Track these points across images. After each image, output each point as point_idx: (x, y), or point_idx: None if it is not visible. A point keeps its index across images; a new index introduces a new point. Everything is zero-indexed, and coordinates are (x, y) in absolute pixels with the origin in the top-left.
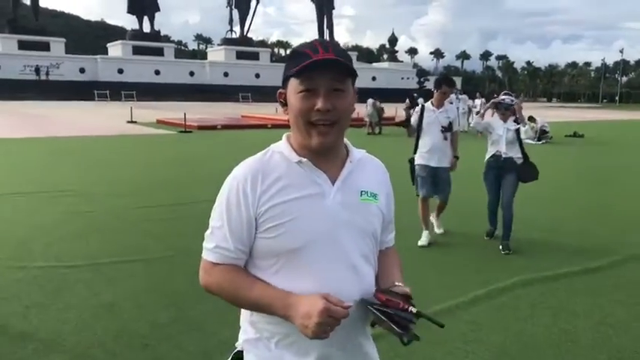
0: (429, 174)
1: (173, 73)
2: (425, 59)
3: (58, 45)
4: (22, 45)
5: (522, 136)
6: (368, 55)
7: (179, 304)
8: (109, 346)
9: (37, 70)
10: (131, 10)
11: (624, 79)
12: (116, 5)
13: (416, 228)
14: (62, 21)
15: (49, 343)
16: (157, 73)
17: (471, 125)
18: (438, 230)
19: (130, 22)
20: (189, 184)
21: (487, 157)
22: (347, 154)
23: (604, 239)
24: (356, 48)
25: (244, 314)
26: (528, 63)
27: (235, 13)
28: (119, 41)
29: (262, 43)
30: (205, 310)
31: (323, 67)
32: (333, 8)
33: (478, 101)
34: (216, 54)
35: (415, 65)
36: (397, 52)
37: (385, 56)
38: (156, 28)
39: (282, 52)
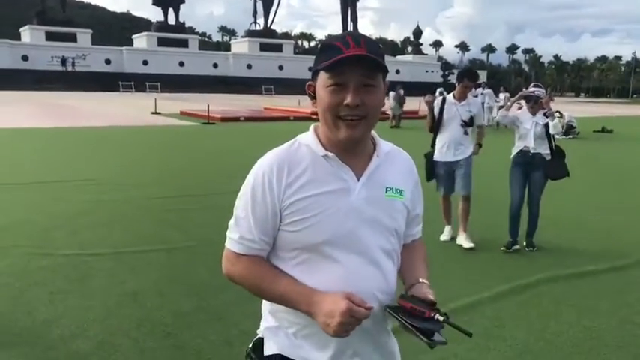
0: (446, 171)
1: (197, 65)
2: (450, 52)
3: (84, 36)
4: (50, 36)
5: (551, 130)
6: (392, 48)
7: (201, 294)
8: (133, 334)
9: (64, 61)
10: (156, 1)
11: None
12: None
13: (439, 222)
14: (89, 12)
15: (73, 329)
16: (181, 64)
17: (496, 119)
18: (466, 245)
19: (155, 14)
20: (212, 175)
21: (514, 152)
22: (374, 147)
23: (631, 238)
24: (380, 40)
25: (265, 303)
26: (556, 57)
27: (259, 5)
28: (144, 33)
29: (286, 35)
30: (227, 299)
31: (353, 62)
32: (358, 0)
33: (502, 95)
34: (240, 46)
35: (440, 58)
36: (422, 44)
37: (409, 49)
38: (180, 19)
39: (305, 44)
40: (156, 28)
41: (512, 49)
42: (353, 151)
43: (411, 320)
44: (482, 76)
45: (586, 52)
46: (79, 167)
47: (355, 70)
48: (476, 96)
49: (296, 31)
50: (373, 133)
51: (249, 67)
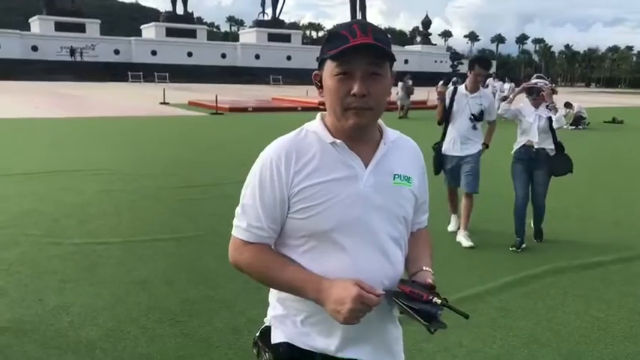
0: (453, 165)
1: (205, 55)
2: (459, 42)
3: (93, 26)
4: (59, 26)
5: (555, 125)
6: (401, 38)
7: (209, 283)
8: (141, 322)
9: (72, 52)
10: None
11: None
12: None
13: (444, 212)
14: (98, 3)
15: (83, 317)
16: (190, 55)
17: (498, 112)
18: (465, 244)
19: (163, 4)
20: (220, 165)
21: (516, 147)
22: (381, 135)
23: (639, 229)
24: (388, 30)
25: (273, 291)
26: (567, 47)
27: None
28: (153, 23)
29: (294, 25)
30: (234, 288)
31: (360, 50)
32: None
33: (507, 85)
34: (248, 36)
35: (449, 48)
36: (431, 34)
37: (418, 39)
38: (189, 10)
39: (313, 34)
40: (164, 19)
41: (522, 39)
42: (360, 138)
43: (410, 304)
44: (492, 66)
45: (597, 42)
46: (88, 157)
47: (362, 59)
48: (486, 86)
49: (304, 21)
50: (380, 121)
51: (257, 57)
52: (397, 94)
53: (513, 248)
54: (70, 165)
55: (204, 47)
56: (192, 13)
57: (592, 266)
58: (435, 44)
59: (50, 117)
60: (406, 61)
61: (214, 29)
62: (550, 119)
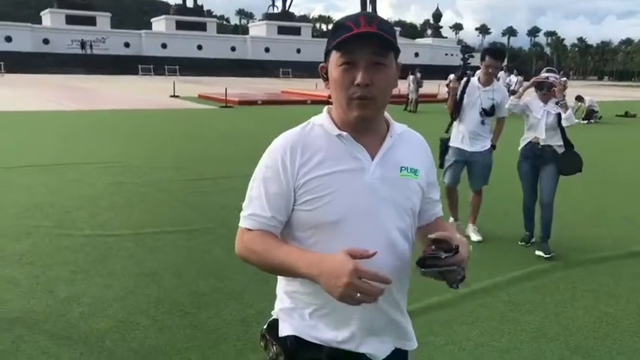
0: (459, 159)
1: (215, 48)
2: (470, 35)
3: (104, 19)
4: (70, 20)
5: (564, 123)
6: (411, 31)
7: (218, 275)
8: (151, 313)
9: (83, 45)
10: None
11: None
12: None
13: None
14: None
15: (94, 307)
16: (200, 48)
17: (506, 106)
18: (474, 237)
19: None
20: (230, 158)
21: (522, 144)
22: (387, 128)
23: None
24: (399, 23)
25: (280, 284)
26: (580, 39)
27: None
28: (163, 16)
29: (304, 18)
30: (243, 280)
31: (363, 40)
32: None
33: (514, 79)
34: (258, 29)
35: (459, 41)
36: (441, 27)
37: (429, 32)
38: (199, 3)
39: (323, 27)
40: (174, 12)
41: (533, 32)
42: (366, 130)
43: (424, 268)
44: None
45: (610, 35)
46: (99, 150)
47: (365, 49)
48: (498, 79)
49: (314, 14)
50: (387, 114)
51: (267, 50)
52: (409, 87)
53: (522, 243)
54: (81, 157)
55: (214, 40)
56: (202, 6)
57: (601, 261)
58: (446, 37)
59: (61, 110)
60: (417, 54)
61: (224, 22)
62: (559, 115)
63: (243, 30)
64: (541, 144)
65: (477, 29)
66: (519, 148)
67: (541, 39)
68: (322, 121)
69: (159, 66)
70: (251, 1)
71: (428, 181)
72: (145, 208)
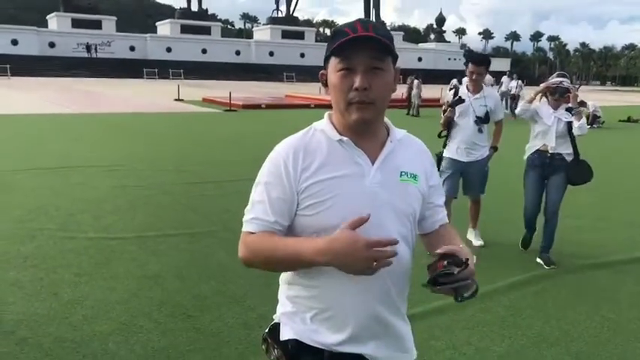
0: (456, 170)
1: (219, 52)
2: (473, 40)
3: (109, 23)
4: (76, 23)
5: (577, 132)
6: (415, 36)
7: (221, 278)
8: (154, 316)
9: (88, 48)
10: None
11: None
12: None
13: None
14: (114, 0)
15: (97, 310)
16: (204, 51)
17: (516, 111)
18: (476, 242)
19: (178, 1)
20: (234, 161)
21: (529, 152)
22: (387, 134)
23: None
24: (402, 28)
25: (282, 288)
26: (583, 44)
27: None
28: (168, 20)
29: (308, 23)
30: (246, 284)
31: (361, 45)
32: None
33: (514, 83)
34: (262, 33)
35: (463, 46)
36: (445, 32)
37: (432, 36)
38: (203, 7)
39: (327, 31)
40: (179, 15)
41: (536, 37)
42: (366, 135)
43: (432, 286)
44: (506, 64)
45: (613, 40)
46: (103, 153)
47: (362, 53)
48: (500, 85)
49: (318, 19)
50: (387, 119)
51: (271, 54)
52: (410, 91)
53: (522, 248)
54: (85, 161)
55: (218, 44)
56: (206, 10)
57: (603, 266)
58: (449, 42)
59: (66, 113)
60: (420, 59)
61: (229, 26)
62: (569, 123)
63: (247, 34)
64: (550, 152)
65: (480, 34)
66: (525, 157)
67: (544, 44)
68: (323, 126)
69: (163, 69)
70: (255, 5)
71: (429, 184)
72: (148, 212)
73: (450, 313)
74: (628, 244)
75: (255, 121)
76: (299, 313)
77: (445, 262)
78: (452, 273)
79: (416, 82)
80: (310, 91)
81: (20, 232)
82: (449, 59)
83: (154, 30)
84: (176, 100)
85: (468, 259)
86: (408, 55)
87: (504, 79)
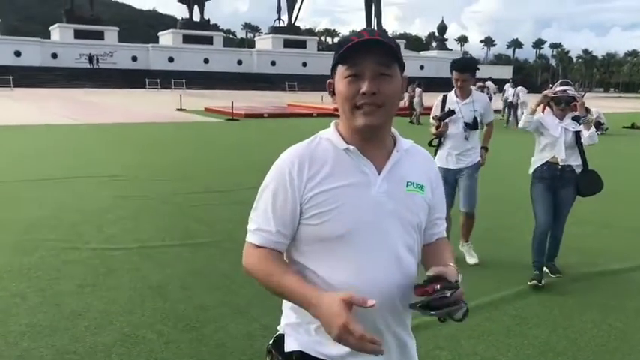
0: (447, 180)
1: (221, 62)
2: (475, 48)
3: (111, 34)
4: (78, 34)
5: (587, 142)
6: (416, 44)
7: (224, 288)
8: (157, 327)
9: (91, 59)
10: None
11: None
12: None
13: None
14: (116, 10)
15: (99, 321)
16: (206, 61)
17: (520, 125)
18: (470, 260)
19: (180, 11)
20: (236, 171)
21: (536, 165)
22: (394, 144)
23: None
24: (404, 36)
25: None
26: (585, 51)
27: (283, 1)
28: (170, 30)
29: (310, 32)
30: (249, 294)
31: (367, 50)
32: None
33: (511, 90)
34: (264, 42)
35: (465, 54)
36: (446, 40)
37: (434, 45)
38: (205, 16)
39: (329, 40)
40: (181, 26)
41: (539, 44)
42: (373, 142)
43: (423, 310)
44: (508, 71)
45: (616, 47)
46: (106, 163)
47: (370, 59)
48: (502, 92)
49: (320, 28)
50: (394, 130)
51: (273, 63)
52: (412, 99)
53: (534, 282)
54: (88, 171)
55: (220, 54)
56: (208, 20)
57: (609, 274)
58: (451, 50)
59: (68, 123)
60: (422, 67)
61: (230, 36)
62: (577, 133)
63: (249, 43)
64: (560, 164)
65: (481, 41)
66: (531, 171)
67: (546, 51)
68: (330, 135)
69: (166, 79)
70: (257, 15)
71: (433, 197)
72: (151, 222)
73: (454, 323)
74: (633, 251)
75: (258, 131)
76: (303, 324)
77: (437, 286)
78: (445, 296)
79: (417, 90)
80: (312, 99)
81: (23, 244)
82: None
83: (156, 40)
84: (178, 109)
85: (457, 281)
86: (409, 64)
87: (507, 86)
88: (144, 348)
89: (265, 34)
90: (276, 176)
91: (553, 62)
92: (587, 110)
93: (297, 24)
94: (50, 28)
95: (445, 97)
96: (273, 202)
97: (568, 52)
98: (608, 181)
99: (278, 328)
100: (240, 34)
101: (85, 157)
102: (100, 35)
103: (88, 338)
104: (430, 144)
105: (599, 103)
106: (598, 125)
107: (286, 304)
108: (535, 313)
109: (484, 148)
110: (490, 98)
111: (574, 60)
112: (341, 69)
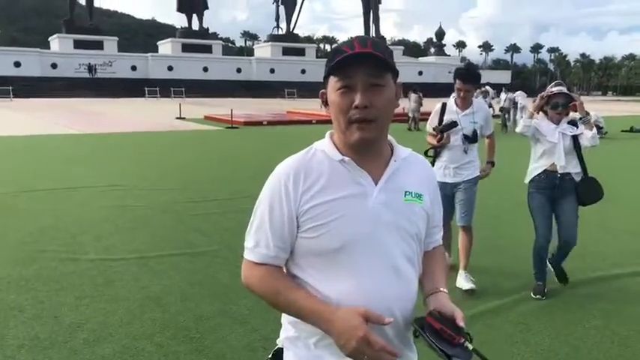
0: (445, 193)
1: (221, 70)
2: (473, 53)
3: (111, 43)
4: (78, 44)
5: (588, 143)
6: (415, 50)
7: (223, 298)
8: (156, 338)
9: (90, 68)
10: (181, 8)
11: None
12: (167, 4)
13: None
14: (115, 20)
15: (98, 333)
16: (205, 70)
17: (518, 129)
18: (466, 286)
19: (179, 20)
20: (235, 179)
21: (533, 174)
22: (391, 152)
23: None
24: (402, 42)
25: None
26: (583, 55)
27: (282, 9)
28: (169, 39)
29: (308, 39)
30: (249, 304)
31: (358, 62)
32: (380, 2)
33: (503, 95)
34: (263, 50)
35: (463, 59)
36: (444, 45)
37: (432, 50)
38: (204, 25)
39: (327, 47)
40: (180, 35)
41: (536, 49)
42: (369, 154)
43: (439, 343)
44: (507, 76)
45: (613, 50)
46: (104, 173)
47: (361, 71)
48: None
49: (318, 35)
50: (391, 138)
51: (272, 71)
52: (409, 104)
53: (538, 296)
54: (86, 181)
55: (219, 62)
56: (207, 29)
57: (610, 279)
58: (449, 55)
59: (68, 133)
60: (420, 73)
61: (229, 44)
62: (574, 138)
63: (248, 51)
64: (560, 172)
65: (479, 46)
66: (528, 180)
67: (544, 55)
68: (324, 146)
69: (165, 88)
70: (256, 23)
71: (432, 205)
72: (149, 231)
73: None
74: (634, 256)
75: (257, 138)
76: (302, 338)
77: (462, 340)
78: (469, 348)
79: (413, 96)
80: (311, 106)
81: (21, 255)
82: (449, 72)
83: (155, 49)
84: (178, 118)
85: (464, 343)
86: (408, 69)
87: (502, 95)
88: None
89: (264, 41)
90: (272, 190)
91: (551, 66)
92: (587, 113)
93: (295, 31)
94: (49, 39)
95: (444, 105)
96: (270, 217)
97: (566, 56)
98: (608, 184)
99: (277, 342)
100: (239, 42)
101: (84, 166)
102: (99, 45)
103: (87, 351)
104: (426, 154)
105: (598, 107)
106: (597, 129)
107: (285, 318)
108: (537, 320)
109: (490, 163)
110: (490, 105)
111: (572, 64)
112: (333, 80)
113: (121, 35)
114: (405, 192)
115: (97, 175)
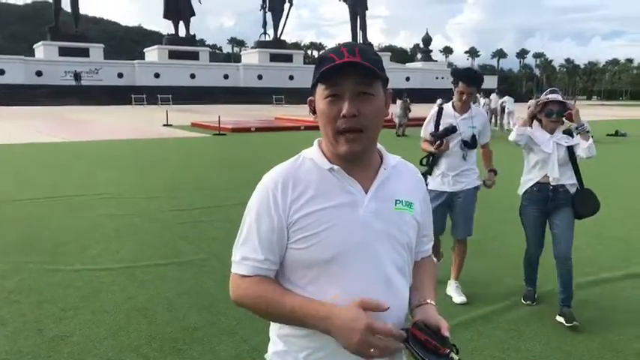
0: (442, 203)
1: (208, 77)
2: (460, 58)
3: (97, 51)
4: (63, 51)
5: (585, 154)
6: (402, 55)
7: (211, 309)
8: (142, 351)
9: (76, 76)
10: (167, 15)
11: None
12: (153, 11)
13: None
14: (101, 27)
15: (83, 346)
16: (193, 76)
17: (511, 138)
18: (457, 299)
19: (166, 27)
20: (223, 186)
21: (526, 186)
22: (381, 160)
23: None
24: (389, 48)
25: (274, 326)
26: (567, 60)
27: (269, 16)
28: (155, 46)
29: (296, 46)
30: (237, 315)
31: (347, 70)
32: (367, 9)
33: (493, 96)
34: (250, 57)
35: (450, 65)
36: (431, 51)
37: (419, 56)
38: (191, 32)
39: (315, 53)
40: (167, 41)
41: (522, 54)
42: (358, 163)
43: (424, 354)
44: (493, 81)
45: (597, 55)
46: (90, 181)
47: (349, 79)
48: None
49: (306, 41)
50: (380, 146)
51: (259, 77)
52: (396, 110)
53: (528, 302)
54: (72, 190)
55: (206, 69)
56: (194, 36)
57: (600, 284)
58: (436, 61)
59: (53, 141)
60: (407, 79)
61: (217, 51)
62: (570, 148)
63: (235, 58)
64: (553, 184)
65: (466, 52)
66: (521, 192)
67: (530, 60)
68: (313, 154)
69: (152, 95)
70: (243, 29)
71: (422, 214)
72: (136, 240)
73: None
74: (623, 261)
75: (245, 145)
76: (291, 352)
77: (448, 351)
78: (454, 359)
79: (398, 102)
80: (300, 113)
81: (3, 266)
82: (436, 78)
83: (141, 56)
84: (165, 125)
85: (449, 354)
86: (395, 75)
87: (493, 96)
88: None
89: (251, 48)
90: (260, 199)
91: (537, 71)
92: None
93: (283, 38)
94: (34, 46)
95: (441, 109)
96: (258, 228)
97: (551, 61)
98: (597, 190)
99: (265, 356)
100: (227, 48)
101: (69, 175)
102: (85, 52)
103: None
104: (422, 163)
105: (583, 112)
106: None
107: (274, 332)
108: (528, 326)
109: (493, 171)
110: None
111: (557, 69)
112: (320, 88)
113: (107, 42)
114: (396, 200)
115: (82, 183)
